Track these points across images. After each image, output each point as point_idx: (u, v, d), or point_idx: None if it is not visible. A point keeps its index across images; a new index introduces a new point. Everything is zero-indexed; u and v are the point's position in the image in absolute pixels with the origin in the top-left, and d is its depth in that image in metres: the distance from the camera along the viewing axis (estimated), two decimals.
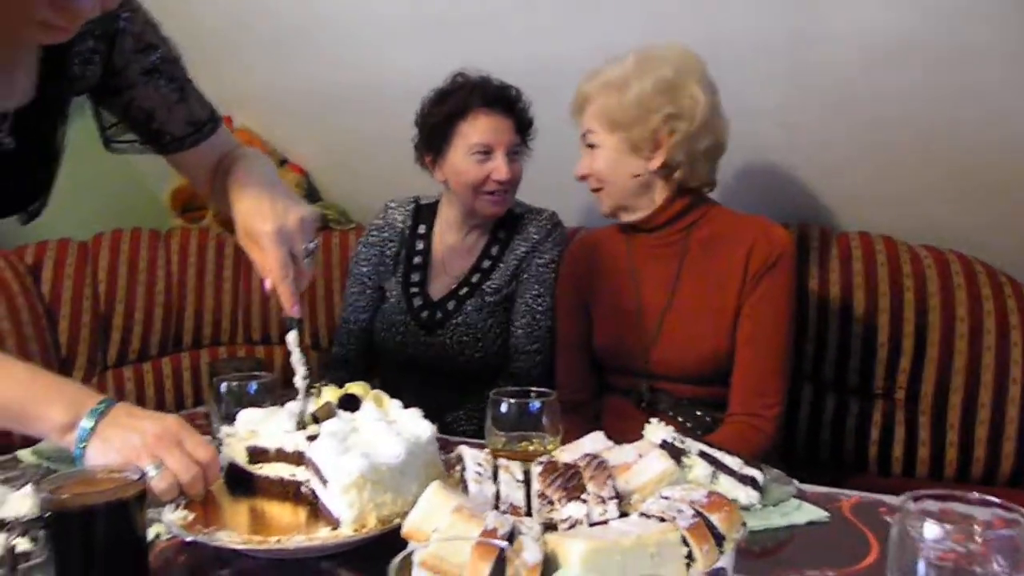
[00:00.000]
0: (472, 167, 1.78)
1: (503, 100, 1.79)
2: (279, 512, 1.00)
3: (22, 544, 0.83)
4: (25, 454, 1.27)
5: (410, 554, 0.69)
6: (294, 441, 1.03)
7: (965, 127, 1.73)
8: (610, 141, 1.58)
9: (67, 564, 0.81)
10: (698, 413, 1.56)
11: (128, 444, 0.94)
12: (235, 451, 1.06)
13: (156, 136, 1.29)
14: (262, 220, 1.11)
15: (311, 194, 2.77)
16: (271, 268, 1.10)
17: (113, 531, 0.81)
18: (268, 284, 1.12)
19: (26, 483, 0.96)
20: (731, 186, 1.90)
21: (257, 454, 1.06)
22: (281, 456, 1.04)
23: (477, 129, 1.77)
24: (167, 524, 0.94)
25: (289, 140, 2.74)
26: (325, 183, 2.80)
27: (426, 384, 1.86)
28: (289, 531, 0.94)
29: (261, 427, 1.08)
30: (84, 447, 0.95)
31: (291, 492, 1.03)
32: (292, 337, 1.15)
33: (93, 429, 0.95)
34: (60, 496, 0.81)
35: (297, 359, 1.13)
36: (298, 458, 1.02)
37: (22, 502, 0.92)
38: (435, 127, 1.81)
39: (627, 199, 1.61)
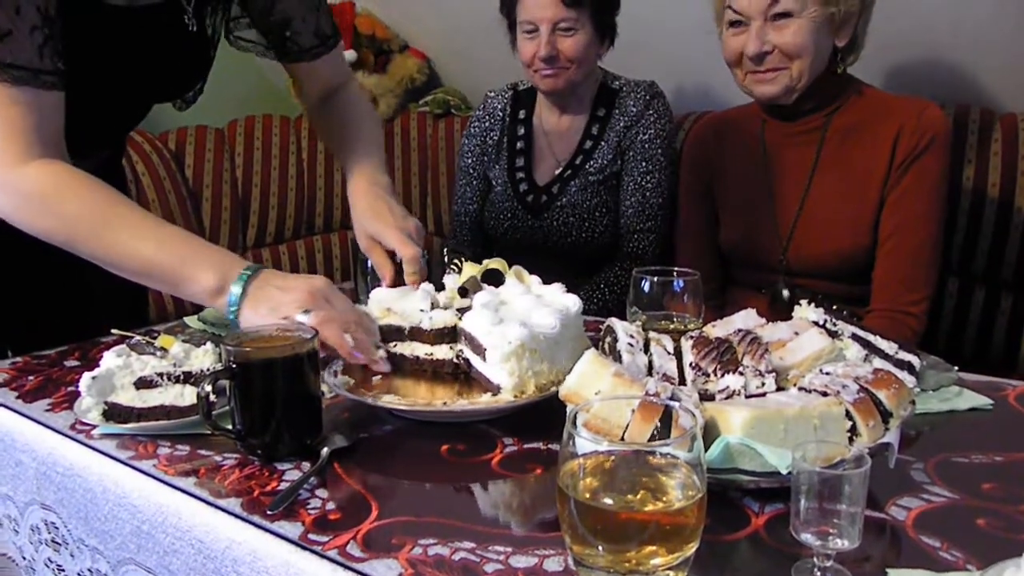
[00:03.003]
0: (523, 45, 1.79)
1: None
2: (426, 384, 1.04)
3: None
4: (192, 320, 1.37)
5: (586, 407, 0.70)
6: (431, 320, 1.03)
7: None
8: (815, 12, 1.41)
9: (250, 411, 0.87)
10: (836, 308, 1.51)
11: (279, 305, 0.98)
12: None
13: (284, 43, 1.31)
14: (385, 224, 1.18)
15: (432, 80, 2.76)
16: (413, 257, 1.14)
17: (290, 382, 0.87)
18: (386, 283, 1.16)
19: (203, 342, 1.03)
20: (881, 64, 1.76)
21: (391, 333, 1.06)
22: (416, 335, 1.04)
23: (525, 7, 1.77)
24: (331, 385, 1.00)
25: (411, 25, 2.72)
26: (446, 69, 2.78)
27: (538, 268, 1.86)
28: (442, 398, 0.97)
29: (395, 306, 1.08)
30: (236, 311, 0.99)
31: (428, 370, 1.04)
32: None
33: (243, 294, 0.99)
34: (244, 350, 0.87)
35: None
36: (433, 337, 1.03)
37: (204, 358, 0.99)
38: (504, 6, 1.83)
39: (810, 80, 1.45)
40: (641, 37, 1.90)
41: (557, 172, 1.86)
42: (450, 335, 1.03)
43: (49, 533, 1.00)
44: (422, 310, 1.06)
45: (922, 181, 1.42)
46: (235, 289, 0.99)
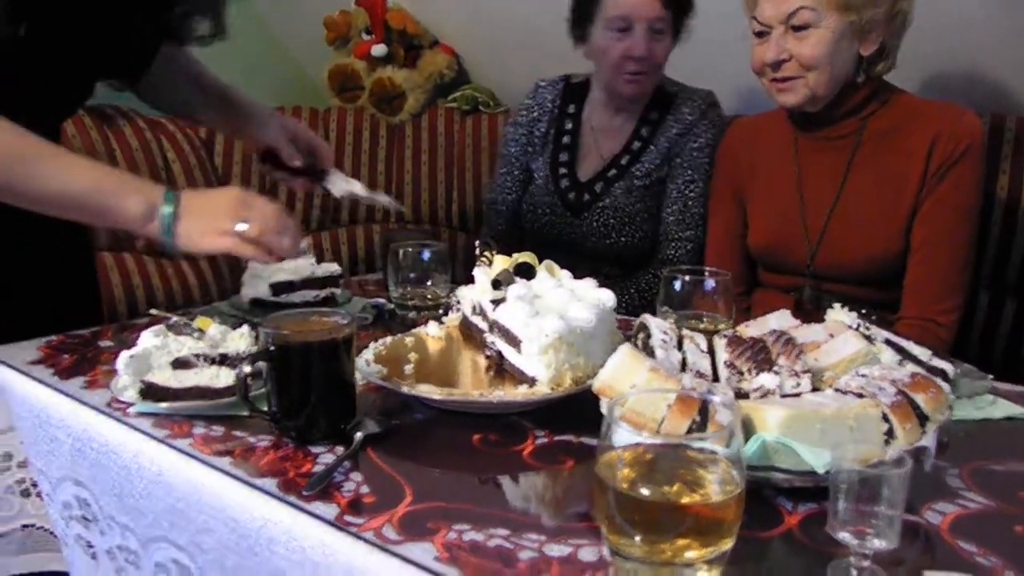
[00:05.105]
0: (610, 43, 1.71)
1: None
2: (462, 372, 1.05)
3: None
4: (223, 306, 1.38)
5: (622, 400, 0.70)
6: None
7: None
8: (834, 22, 1.39)
9: (287, 393, 0.88)
10: (866, 313, 1.50)
11: (214, 216, 1.04)
12: None
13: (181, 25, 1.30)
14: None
15: (461, 76, 2.77)
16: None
17: (327, 366, 0.88)
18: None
19: (239, 325, 1.04)
20: (917, 71, 1.74)
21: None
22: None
23: (617, 1, 1.69)
24: (364, 374, 1.00)
25: (441, 21, 2.72)
26: (475, 65, 2.78)
27: (569, 266, 1.86)
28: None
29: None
30: (172, 228, 1.04)
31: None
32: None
33: (175, 212, 1.04)
34: (282, 333, 0.87)
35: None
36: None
37: (239, 340, 1.00)
38: None
39: (832, 90, 1.45)
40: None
41: (601, 169, 1.84)
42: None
43: (80, 509, 1.02)
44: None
45: (957, 189, 1.41)
46: (166, 209, 1.04)
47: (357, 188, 1.36)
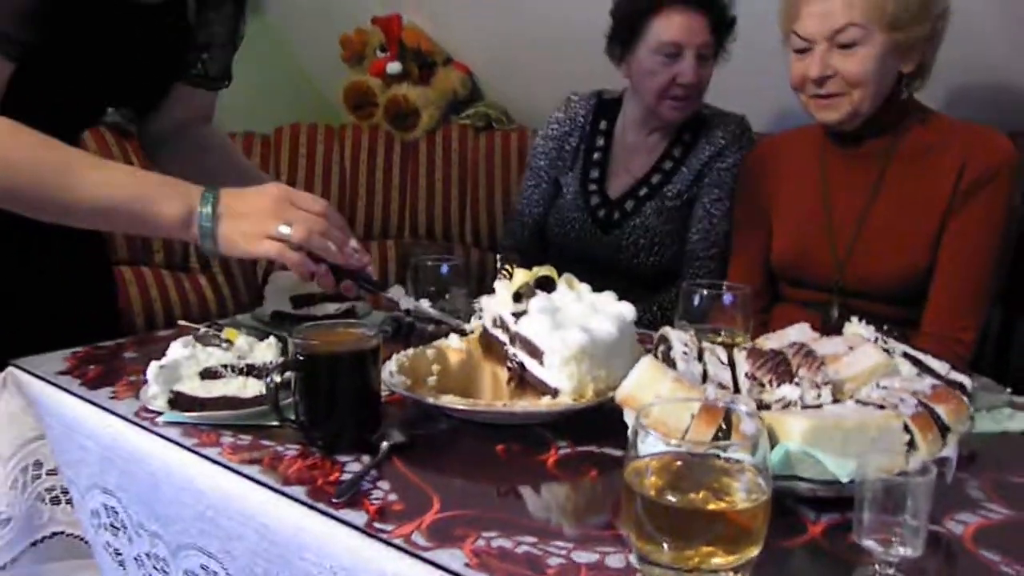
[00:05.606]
0: (658, 67, 1.72)
1: None
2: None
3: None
4: (245, 318, 1.40)
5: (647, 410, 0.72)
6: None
7: None
8: (880, 40, 1.39)
9: (315, 403, 0.90)
10: (886, 329, 1.51)
11: (257, 213, 0.99)
12: None
13: (192, 64, 1.29)
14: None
15: (474, 93, 2.80)
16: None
17: (355, 376, 0.90)
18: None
19: (265, 336, 1.06)
20: (947, 90, 1.76)
21: None
22: None
23: (668, 26, 1.70)
24: (390, 385, 1.02)
25: (455, 39, 2.77)
26: (488, 83, 2.82)
27: (595, 283, 1.87)
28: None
29: None
30: (212, 230, 0.99)
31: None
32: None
33: (213, 213, 0.99)
34: (311, 343, 0.89)
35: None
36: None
37: (267, 351, 1.02)
38: (624, 19, 1.75)
39: (873, 107, 1.44)
40: None
41: (631, 187, 1.84)
42: None
43: (108, 517, 1.03)
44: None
45: (986, 210, 1.42)
46: (205, 210, 0.99)
47: (426, 307, 1.21)
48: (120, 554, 1.03)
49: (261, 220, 0.98)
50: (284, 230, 0.97)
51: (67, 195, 1.00)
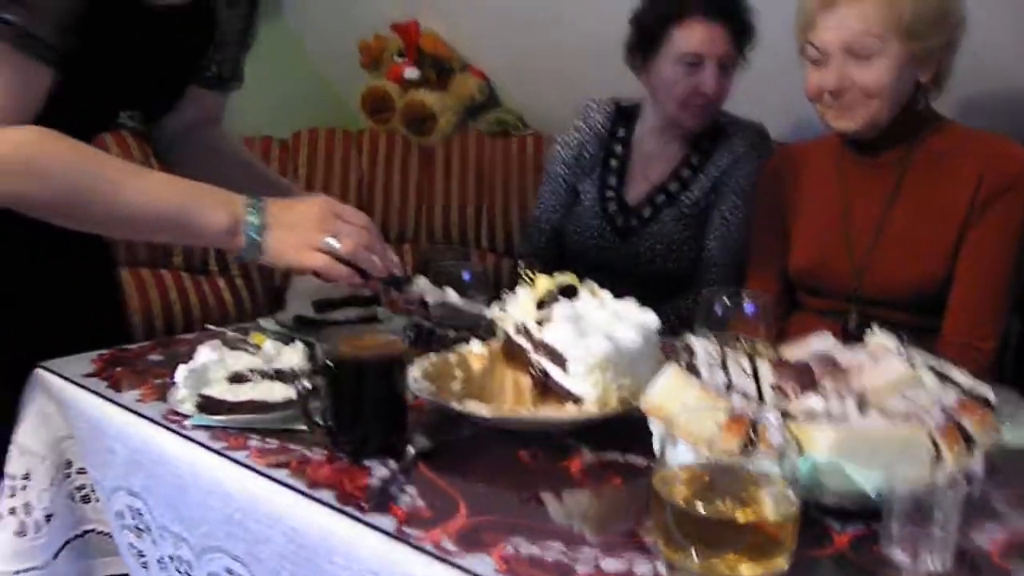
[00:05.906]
0: (679, 78, 1.72)
1: (724, 5, 1.70)
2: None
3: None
4: (268, 322, 1.41)
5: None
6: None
7: None
8: (897, 50, 1.39)
9: (343, 409, 0.91)
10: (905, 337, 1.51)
11: (304, 224, 0.99)
12: None
13: (205, 66, 1.28)
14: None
15: (491, 99, 2.82)
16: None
17: (383, 382, 0.91)
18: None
19: (292, 341, 1.07)
20: (959, 99, 1.75)
21: None
22: None
23: (689, 37, 1.70)
24: (416, 391, 1.02)
25: (472, 45, 2.78)
26: (505, 89, 2.83)
27: (612, 289, 1.88)
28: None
29: None
30: (258, 242, 0.99)
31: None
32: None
33: (262, 224, 0.99)
34: (340, 349, 0.90)
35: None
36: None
37: (293, 355, 1.03)
38: (646, 29, 1.76)
39: (891, 117, 1.44)
40: None
41: (649, 193, 1.85)
42: None
43: (133, 519, 1.04)
44: None
45: (1005, 220, 1.42)
46: (252, 220, 0.98)
47: (452, 296, 1.20)
48: (143, 555, 1.04)
49: (308, 232, 0.99)
50: (332, 243, 0.98)
51: (109, 206, 1.00)
